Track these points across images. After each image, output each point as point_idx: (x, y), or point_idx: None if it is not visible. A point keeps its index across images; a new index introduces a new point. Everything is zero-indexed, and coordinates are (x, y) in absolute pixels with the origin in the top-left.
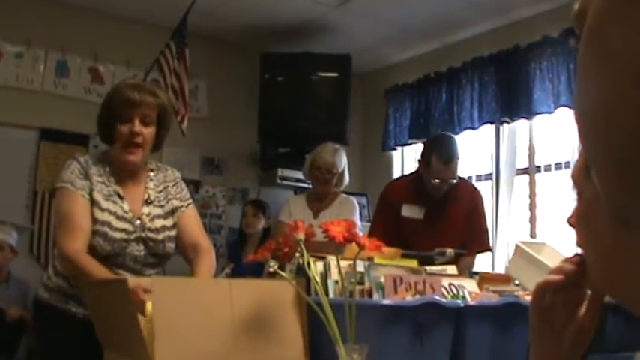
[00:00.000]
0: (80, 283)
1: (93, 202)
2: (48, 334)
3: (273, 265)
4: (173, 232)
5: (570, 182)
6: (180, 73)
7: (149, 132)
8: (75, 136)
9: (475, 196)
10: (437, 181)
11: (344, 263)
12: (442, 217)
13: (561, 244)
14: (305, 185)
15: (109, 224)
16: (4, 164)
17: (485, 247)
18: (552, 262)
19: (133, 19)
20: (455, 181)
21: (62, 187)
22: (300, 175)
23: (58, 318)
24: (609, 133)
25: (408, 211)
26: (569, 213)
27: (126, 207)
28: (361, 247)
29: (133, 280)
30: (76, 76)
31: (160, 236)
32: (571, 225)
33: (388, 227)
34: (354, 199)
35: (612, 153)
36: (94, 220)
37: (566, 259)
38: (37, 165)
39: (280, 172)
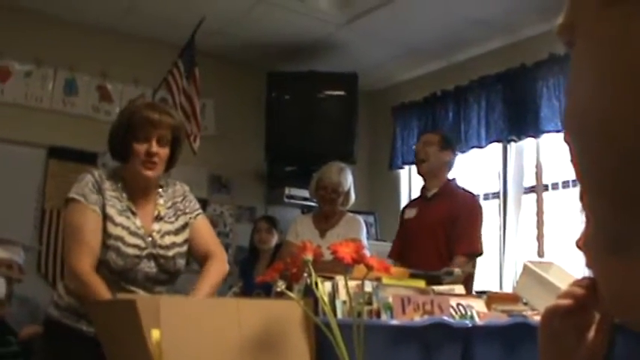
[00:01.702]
0: (86, 303)
1: (106, 217)
2: (58, 353)
3: (280, 286)
4: (183, 249)
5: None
6: (190, 93)
7: (164, 152)
8: (83, 154)
9: (468, 203)
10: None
11: (352, 283)
12: (426, 214)
13: (569, 263)
14: (312, 204)
15: (122, 239)
16: (12, 182)
17: (469, 249)
18: (560, 282)
19: (140, 37)
20: (428, 164)
21: (74, 199)
22: (307, 193)
23: (69, 337)
24: (605, 152)
25: (407, 214)
26: (578, 235)
27: (138, 223)
28: (369, 268)
29: (141, 301)
30: (84, 94)
31: (171, 253)
32: (579, 247)
33: (400, 235)
34: (360, 218)
35: (607, 176)
36: (108, 235)
37: (576, 283)
38: (45, 183)
39: (288, 190)
